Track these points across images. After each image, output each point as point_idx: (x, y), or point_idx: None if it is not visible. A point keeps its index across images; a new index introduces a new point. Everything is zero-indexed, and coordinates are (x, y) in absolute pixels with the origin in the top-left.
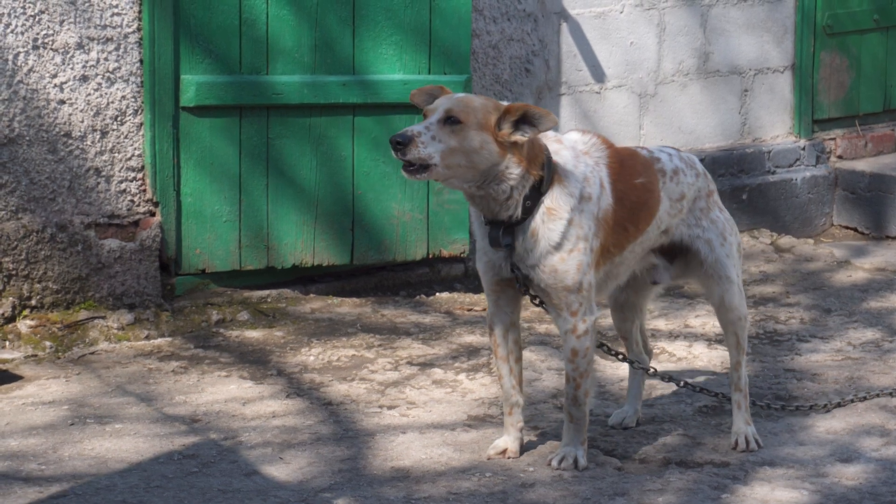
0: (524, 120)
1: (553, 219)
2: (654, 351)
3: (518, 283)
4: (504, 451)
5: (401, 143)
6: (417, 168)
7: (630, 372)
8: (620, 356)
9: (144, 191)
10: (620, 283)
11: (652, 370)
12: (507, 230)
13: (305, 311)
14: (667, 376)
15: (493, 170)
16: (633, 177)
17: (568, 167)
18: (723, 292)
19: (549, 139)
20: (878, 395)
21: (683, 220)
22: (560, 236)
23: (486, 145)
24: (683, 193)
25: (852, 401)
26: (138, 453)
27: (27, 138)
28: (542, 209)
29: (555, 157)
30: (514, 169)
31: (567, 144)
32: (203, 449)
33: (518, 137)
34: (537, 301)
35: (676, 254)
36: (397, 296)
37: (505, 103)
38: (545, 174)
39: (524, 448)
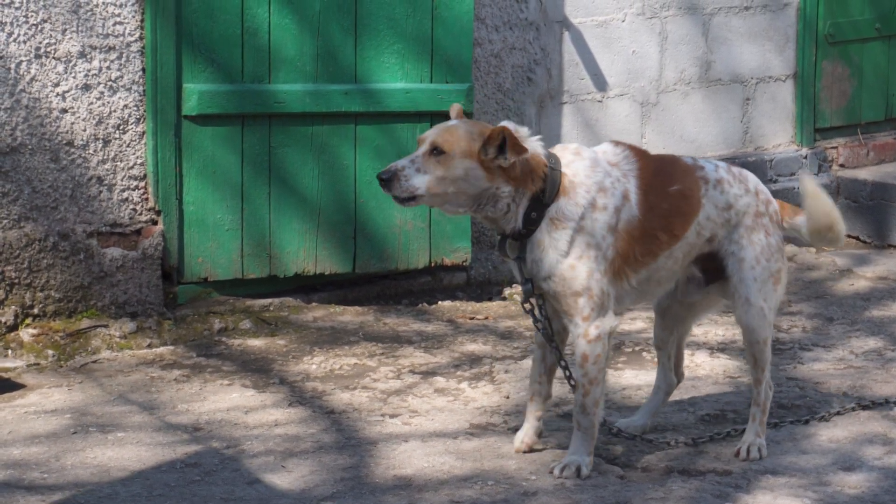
0: (506, 143)
1: (557, 229)
2: (656, 360)
3: (525, 296)
4: (522, 441)
5: (385, 180)
6: (406, 198)
7: (655, 383)
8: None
9: (146, 199)
10: (667, 287)
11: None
12: (521, 243)
13: (308, 320)
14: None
15: (485, 193)
16: (667, 185)
17: (577, 179)
18: (742, 313)
19: (567, 150)
20: (881, 405)
21: (728, 233)
22: (567, 245)
23: (471, 172)
24: (730, 203)
25: (853, 409)
26: (141, 462)
27: (29, 147)
28: (546, 220)
29: (565, 169)
30: (504, 188)
31: (586, 156)
32: (205, 457)
33: (501, 162)
34: (540, 325)
35: (718, 272)
36: (399, 304)
37: (506, 123)
38: (547, 186)
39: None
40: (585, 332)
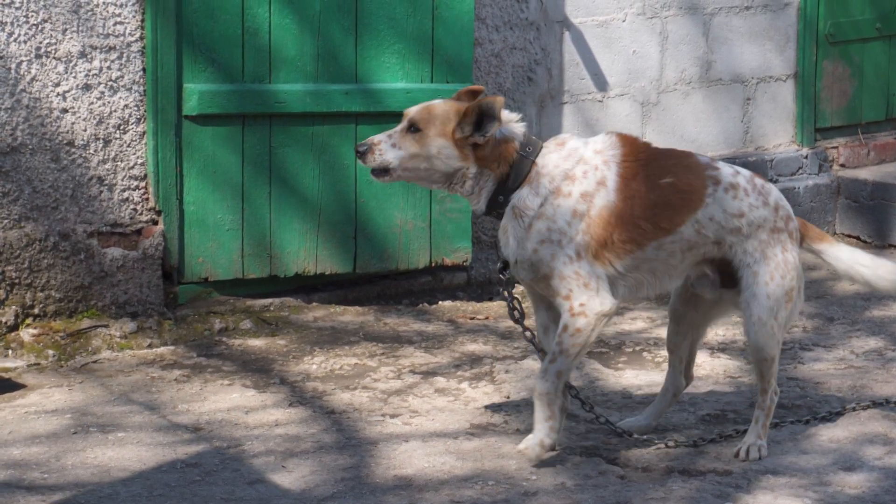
0: (483, 117)
1: (517, 217)
2: (657, 360)
3: (501, 273)
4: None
5: (361, 152)
6: (380, 171)
7: (664, 385)
8: (528, 333)
9: (147, 199)
10: (668, 283)
11: (573, 391)
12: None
13: (308, 320)
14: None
15: (458, 173)
16: (658, 176)
17: (544, 169)
18: (752, 331)
19: (553, 141)
20: (882, 405)
21: (741, 241)
22: (524, 232)
23: (443, 150)
24: (742, 211)
25: (854, 409)
26: (141, 462)
27: (30, 147)
28: (510, 207)
29: (539, 159)
30: (472, 168)
31: (567, 146)
32: (206, 457)
33: (477, 139)
34: (513, 313)
35: (734, 280)
36: (400, 304)
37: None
38: (512, 172)
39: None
40: (570, 307)
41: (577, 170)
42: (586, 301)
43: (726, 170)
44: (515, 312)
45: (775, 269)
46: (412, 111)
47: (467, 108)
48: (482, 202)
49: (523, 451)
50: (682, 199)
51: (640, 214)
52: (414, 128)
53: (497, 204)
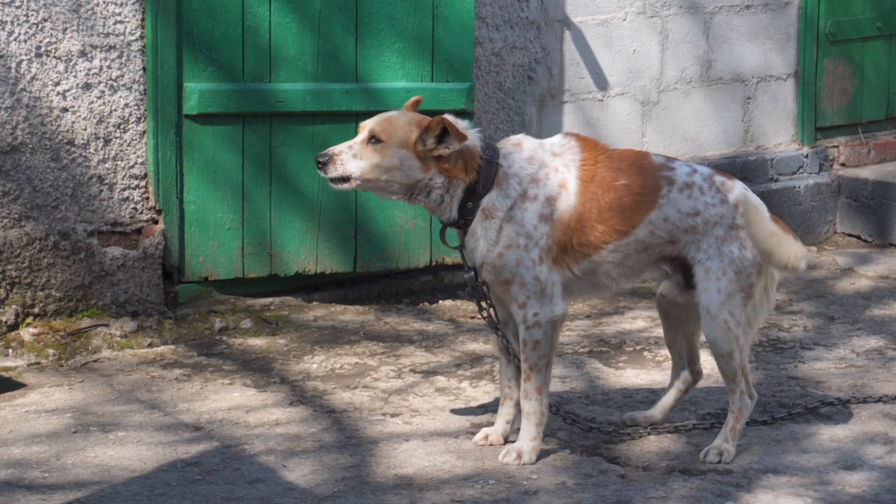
0: (447, 131)
1: (488, 218)
2: (658, 359)
3: (468, 284)
4: (486, 437)
5: (321, 163)
6: (338, 179)
7: (670, 382)
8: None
9: (147, 198)
10: (624, 282)
11: (554, 409)
12: (462, 232)
13: (308, 319)
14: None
15: (419, 184)
16: (613, 178)
17: (511, 170)
18: (704, 324)
19: (509, 142)
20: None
21: (696, 240)
22: (496, 234)
23: (406, 162)
24: (698, 210)
25: (866, 401)
26: (142, 461)
27: (30, 146)
28: (480, 211)
29: (502, 161)
30: (437, 179)
31: (526, 147)
32: (206, 457)
33: (442, 151)
34: (485, 314)
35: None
36: (400, 303)
37: (447, 116)
38: (480, 177)
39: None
40: (524, 318)
41: (542, 173)
42: (539, 310)
43: (682, 169)
44: (483, 313)
45: (729, 265)
46: (372, 122)
47: (432, 122)
48: (454, 211)
49: (501, 461)
50: (635, 200)
51: (597, 217)
52: (375, 139)
53: (466, 211)
